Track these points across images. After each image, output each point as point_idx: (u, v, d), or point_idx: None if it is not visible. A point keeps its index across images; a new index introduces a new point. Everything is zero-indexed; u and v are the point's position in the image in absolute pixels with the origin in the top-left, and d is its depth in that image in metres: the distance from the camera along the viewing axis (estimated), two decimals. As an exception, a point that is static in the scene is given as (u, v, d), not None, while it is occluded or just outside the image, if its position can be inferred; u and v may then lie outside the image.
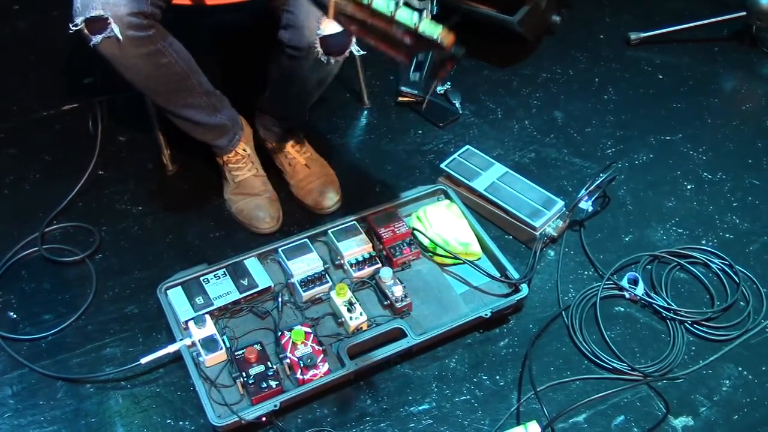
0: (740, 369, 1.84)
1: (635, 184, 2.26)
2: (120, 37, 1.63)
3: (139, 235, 2.09)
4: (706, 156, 2.34)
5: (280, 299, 1.90)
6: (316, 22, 1.70)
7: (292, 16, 1.74)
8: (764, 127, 2.44)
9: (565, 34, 2.73)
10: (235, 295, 1.87)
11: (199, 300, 1.85)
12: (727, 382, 1.82)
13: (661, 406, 1.77)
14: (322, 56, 1.73)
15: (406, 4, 1.22)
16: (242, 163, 2.10)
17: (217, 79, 1.98)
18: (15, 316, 1.91)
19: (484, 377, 1.83)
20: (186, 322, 1.81)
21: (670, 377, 1.82)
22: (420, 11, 1.22)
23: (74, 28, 1.64)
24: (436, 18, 1.27)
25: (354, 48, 1.73)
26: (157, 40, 1.72)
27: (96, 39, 1.63)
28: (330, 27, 1.69)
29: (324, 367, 1.76)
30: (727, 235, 2.12)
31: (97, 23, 1.62)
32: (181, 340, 1.78)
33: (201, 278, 1.89)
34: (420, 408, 1.77)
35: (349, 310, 1.85)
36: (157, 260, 2.03)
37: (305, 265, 1.91)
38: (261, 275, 1.91)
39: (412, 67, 1.32)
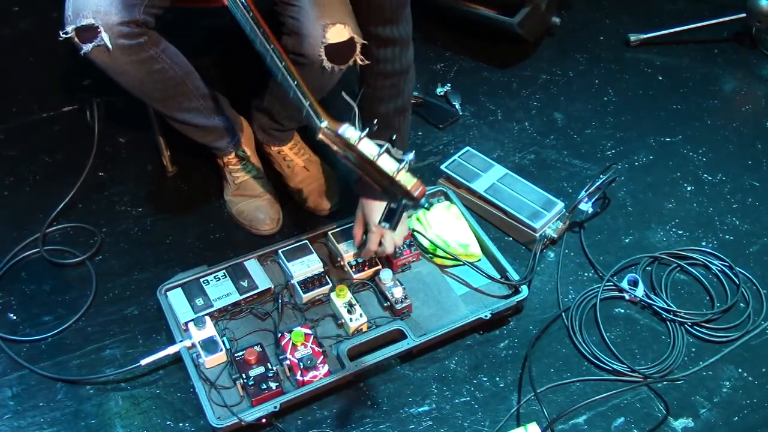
0: (740, 370, 1.84)
1: (635, 185, 2.26)
2: (110, 46, 1.62)
3: (139, 237, 2.09)
4: (705, 157, 2.34)
5: (280, 300, 1.90)
6: (321, 30, 1.69)
7: (296, 23, 1.72)
8: (764, 129, 2.44)
9: (564, 35, 2.74)
10: (235, 297, 1.87)
11: (199, 301, 1.85)
12: (727, 383, 1.82)
13: (661, 407, 1.77)
14: (326, 64, 1.72)
15: (388, 152, 1.34)
16: (242, 165, 2.10)
17: (217, 79, 1.99)
18: (15, 317, 1.91)
19: (484, 379, 1.83)
20: (186, 323, 1.81)
21: (670, 379, 1.82)
22: (400, 161, 1.34)
23: (64, 36, 1.63)
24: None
25: (358, 57, 1.72)
26: (149, 47, 1.70)
27: (86, 47, 1.62)
28: (335, 36, 1.69)
29: (324, 369, 1.76)
30: (727, 237, 2.12)
31: (88, 32, 1.61)
32: (181, 341, 1.78)
33: (201, 280, 1.89)
34: (420, 409, 1.77)
35: (349, 312, 1.85)
36: (157, 261, 2.03)
37: (305, 266, 1.91)
38: (261, 277, 1.91)
39: (384, 215, 1.42)
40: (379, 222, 1.45)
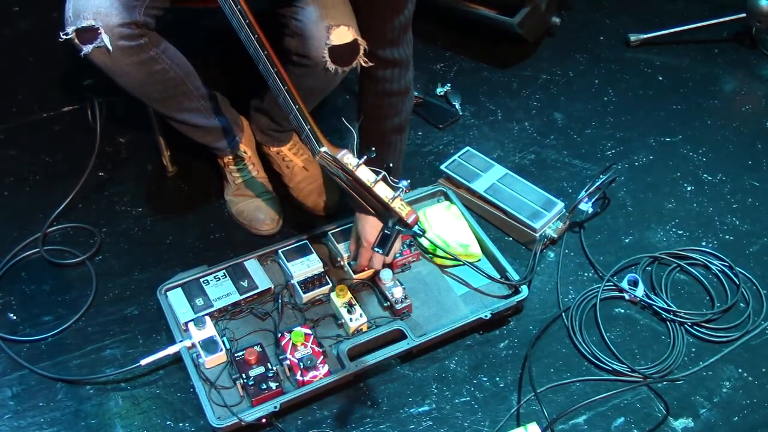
0: (740, 370, 1.84)
1: (635, 185, 2.26)
2: (110, 47, 1.61)
3: (139, 237, 2.09)
4: (705, 157, 2.34)
5: (280, 300, 1.90)
6: (325, 31, 1.68)
7: (300, 25, 1.72)
8: (764, 129, 2.44)
9: (564, 35, 2.74)
10: (235, 297, 1.87)
11: (199, 301, 1.85)
12: (727, 383, 1.82)
13: (661, 407, 1.77)
14: (329, 65, 1.72)
15: (384, 180, 1.39)
16: (243, 165, 2.10)
17: (217, 79, 1.98)
18: (15, 317, 1.91)
19: (484, 379, 1.83)
20: (186, 323, 1.81)
21: (670, 379, 1.82)
22: (395, 189, 1.40)
23: (65, 37, 1.63)
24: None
25: (361, 59, 1.72)
26: (149, 48, 1.70)
27: (86, 49, 1.62)
28: (338, 37, 1.69)
29: (324, 369, 1.76)
30: (727, 237, 2.12)
31: (88, 33, 1.60)
32: (181, 341, 1.78)
33: (201, 280, 1.89)
34: (420, 409, 1.77)
35: (349, 312, 1.85)
36: (157, 261, 2.03)
37: (305, 266, 1.91)
38: (261, 277, 1.91)
39: (378, 241, 1.48)
40: (373, 247, 1.50)
